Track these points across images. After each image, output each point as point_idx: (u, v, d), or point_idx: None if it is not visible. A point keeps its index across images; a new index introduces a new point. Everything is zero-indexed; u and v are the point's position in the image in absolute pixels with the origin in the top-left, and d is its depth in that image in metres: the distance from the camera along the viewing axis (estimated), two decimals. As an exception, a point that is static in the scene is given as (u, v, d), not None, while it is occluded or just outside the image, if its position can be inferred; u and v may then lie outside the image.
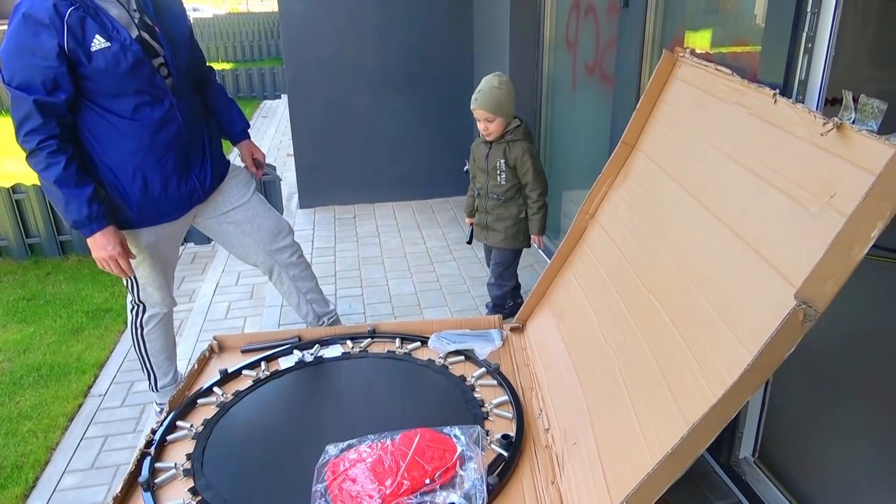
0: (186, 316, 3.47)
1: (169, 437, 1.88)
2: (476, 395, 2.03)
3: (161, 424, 1.91)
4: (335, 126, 4.57)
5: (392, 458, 1.60)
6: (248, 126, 2.54)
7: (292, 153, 4.83)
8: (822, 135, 1.29)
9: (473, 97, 2.58)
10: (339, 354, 2.28)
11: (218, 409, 1.99)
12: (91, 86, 1.93)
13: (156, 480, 1.71)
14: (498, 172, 2.71)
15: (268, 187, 4.80)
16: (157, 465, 1.76)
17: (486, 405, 1.98)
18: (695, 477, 2.10)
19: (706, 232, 1.60)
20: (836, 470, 2.06)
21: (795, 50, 1.53)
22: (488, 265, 3.04)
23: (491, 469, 1.66)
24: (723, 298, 1.44)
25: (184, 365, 2.85)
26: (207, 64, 2.39)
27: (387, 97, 4.57)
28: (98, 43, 1.87)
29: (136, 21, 1.98)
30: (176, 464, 1.76)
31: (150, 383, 2.51)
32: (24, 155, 1.96)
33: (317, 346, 2.31)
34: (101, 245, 2.02)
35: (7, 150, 7.71)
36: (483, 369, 2.17)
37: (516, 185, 2.74)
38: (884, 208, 1.11)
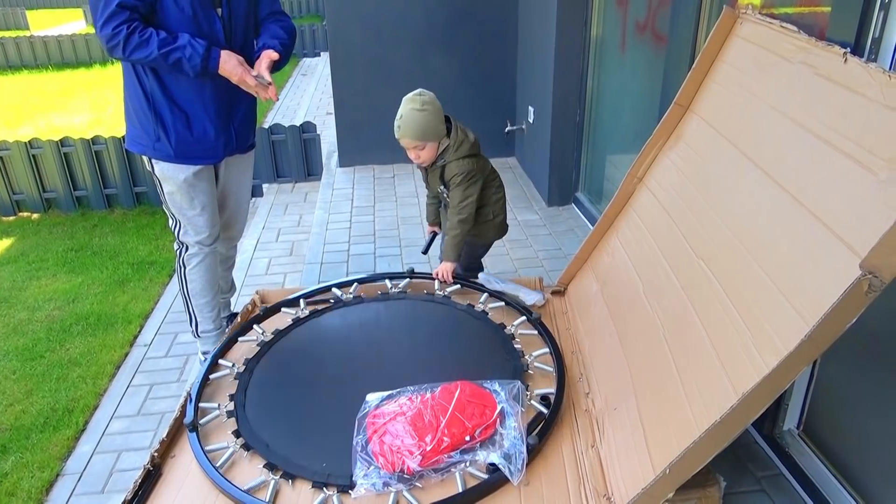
0: (228, 271, 3.52)
1: (212, 377, 1.91)
2: (516, 346, 2.03)
3: (204, 361, 1.94)
4: (376, 84, 4.53)
5: (432, 413, 1.60)
6: (284, 49, 2.37)
7: (332, 112, 4.81)
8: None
9: (396, 125, 2.25)
10: (378, 295, 2.29)
11: (258, 348, 2.01)
12: (160, 19, 2.05)
13: (200, 422, 1.74)
14: (445, 196, 2.43)
15: (307, 145, 4.81)
16: (202, 405, 1.80)
17: (525, 356, 1.97)
18: (736, 448, 2.06)
19: (764, 197, 1.53)
20: (883, 446, 2.00)
21: (870, 6, 1.43)
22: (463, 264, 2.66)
23: (530, 428, 1.66)
24: (780, 266, 1.38)
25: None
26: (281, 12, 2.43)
27: (429, 56, 4.49)
28: None
29: None
30: (219, 405, 1.79)
31: (192, 328, 2.56)
32: (108, 63, 2.16)
33: (355, 284, 2.31)
34: (232, 66, 2.11)
35: (55, 105, 7.87)
36: (524, 318, 2.15)
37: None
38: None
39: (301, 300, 2.25)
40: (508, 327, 2.11)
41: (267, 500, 1.50)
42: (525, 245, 3.50)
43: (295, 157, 4.80)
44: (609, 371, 1.87)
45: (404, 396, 1.70)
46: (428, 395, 1.69)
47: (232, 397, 1.83)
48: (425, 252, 2.68)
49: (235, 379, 1.91)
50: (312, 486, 1.54)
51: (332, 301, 2.27)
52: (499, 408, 1.63)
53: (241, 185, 2.53)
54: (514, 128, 4.59)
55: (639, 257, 2.04)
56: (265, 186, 4.79)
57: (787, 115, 1.56)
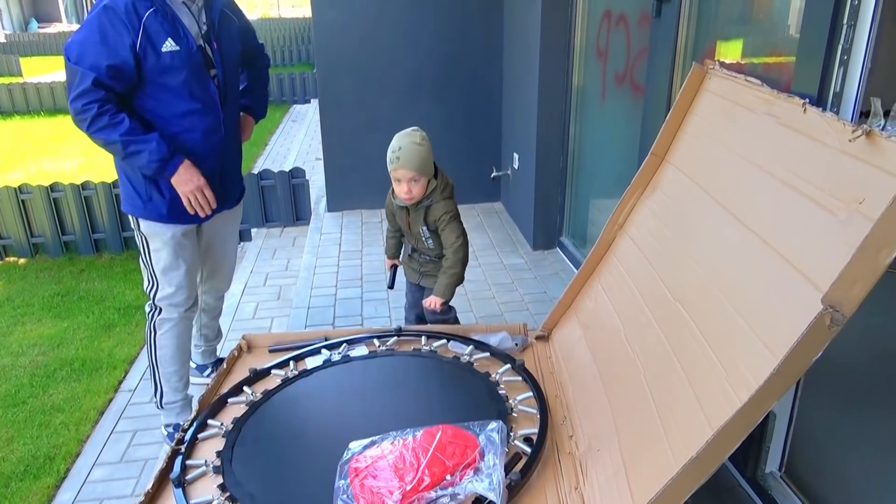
0: (215, 315, 3.53)
1: (200, 435, 1.92)
2: (501, 391, 2.05)
3: (192, 423, 1.95)
4: (364, 131, 4.63)
5: (413, 455, 1.61)
6: (264, 116, 2.65)
7: (321, 157, 4.89)
8: (850, 141, 1.29)
9: (393, 156, 2.28)
10: (366, 353, 2.31)
11: (247, 407, 2.03)
12: (152, 80, 2.04)
13: (186, 477, 1.74)
14: (424, 238, 2.46)
15: (296, 190, 4.88)
16: (188, 462, 1.80)
17: (510, 400, 1.99)
18: (720, 490, 2.08)
19: (735, 241, 1.59)
20: (864, 487, 2.03)
21: (830, 62, 1.53)
22: (408, 297, 2.77)
23: (513, 465, 1.67)
24: (751, 305, 1.43)
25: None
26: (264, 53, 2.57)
27: (416, 103, 4.61)
28: (168, 45, 2.00)
29: (203, 33, 2.13)
30: (206, 461, 1.80)
31: (156, 398, 2.45)
32: (80, 136, 2.11)
33: (344, 345, 2.34)
34: (186, 178, 2.11)
35: (46, 150, 7.93)
36: (508, 365, 2.18)
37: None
38: (913, 212, 1.10)
39: (291, 362, 2.27)
40: (493, 375, 2.13)
41: None
42: (511, 289, 3.55)
43: (284, 202, 4.86)
44: (592, 413, 1.89)
45: (387, 441, 1.71)
46: (410, 438, 1.70)
47: (219, 454, 1.83)
48: (391, 287, 2.73)
49: (223, 437, 1.92)
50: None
51: (322, 363, 2.29)
52: (480, 446, 1.65)
53: (227, 236, 2.54)
54: (500, 173, 4.69)
55: (620, 302, 2.09)
56: (254, 231, 4.83)
57: (753, 163, 1.64)
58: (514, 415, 1.94)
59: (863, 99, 1.53)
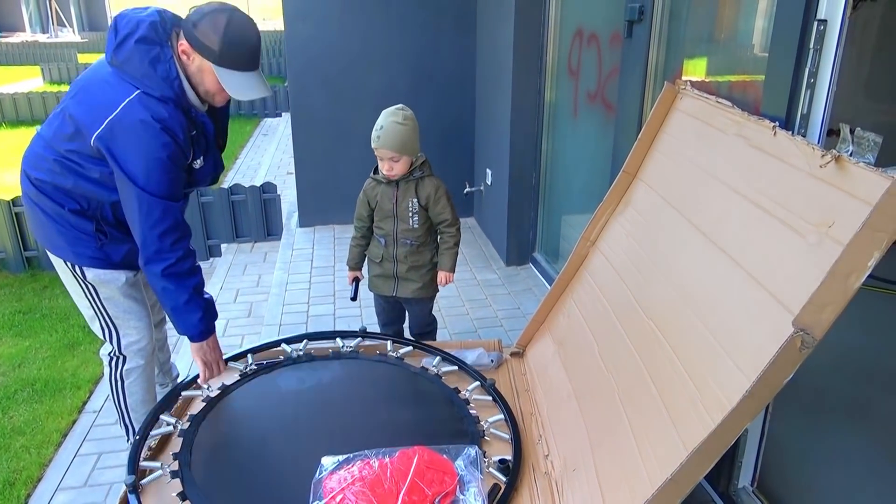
0: (183, 333, 3.46)
1: (153, 432, 1.84)
2: (471, 411, 2.03)
3: (145, 420, 1.88)
4: (337, 146, 4.60)
5: (391, 480, 1.59)
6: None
7: (293, 171, 4.85)
8: (820, 167, 1.32)
9: (375, 135, 2.35)
10: (329, 353, 2.27)
11: (204, 403, 1.95)
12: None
13: (142, 482, 1.68)
14: (410, 214, 2.46)
15: (267, 205, 4.83)
16: (143, 464, 1.73)
17: (481, 422, 1.98)
18: (693, 506, 2.09)
19: (706, 260, 1.62)
20: (834, 501, 2.06)
21: (798, 85, 1.56)
22: (381, 318, 2.77)
23: (490, 496, 1.66)
24: (722, 325, 1.45)
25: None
26: None
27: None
28: (198, 162, 1.96)
29: (211, 140, 2.05)
30: (163, 464, 1.73)
31: (128, 436, 2.35)
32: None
33: (305, 340, 2.29)
34: (212, 347, 2.05)
35: (8, 163, 7.73)
36: (478, 383, 2.16)
37: (428, 226, 2.52)
38: (880, 238, 1.13)
39: (249, 355, 2.21)
40: (463, 392, 2.12)
41: None
42: (484, 305, 3.54)
43: (255, 217, 4.80)
44: (567, 432, 1.89)
45: (361, 461, 1.68)
46: (386, 459, 1.68)
47: (176, 456, 1.76)
48: (354, 299, 2.70)
49: (179, 436, 1.84)
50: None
51: (281, 358, 2.24)
52: (458, 475, 1.63)
53: None
54: (473, 189, 4.71)
55: (593, 318, 2.10)
56: (224, 246, 4.76)
57: (724, 183, 1.67)
58: (487, 438, 1.93)
59: (829, 120, 1.57)
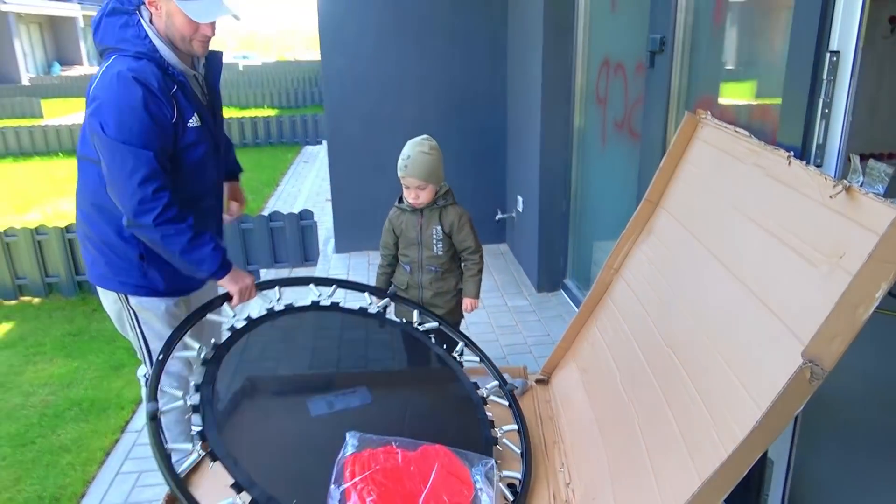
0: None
1: (175, 354, 1.78)
2: (487, 413, 2.05)
3: (169, 342, 1.82)
4: (372, 173, 4.72)
5: (413, 479, 1.60)
6: (241, 171, 2.54)
7: (331, 198, 4.98)
8: (830, 197, 1.33)
9: (402, 164, 2.42)
10: (357, 308, 2.29)
11: (229, 332, 1.91)
12: (173, 159, 1.94)
13: (162, 409, 1.62)
14: (434, 241, 2.52)
15: (305, 231, 4.96)
16: (164, 388, 1.68)
17: (495, 428, 1.99)
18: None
19: (722, 289, 1.62)
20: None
21: (812, 115, 1.58)
22: None
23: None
24: (737, 356, 1.46)
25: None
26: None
27: (422, 147, 4.71)
28: (194, 121, 1.93)
29: (206, 104, 2.05)
30: (184, 394, 1.69)
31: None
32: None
33: (335, 286, 2.25)
34: (239, 277, 2.02)
35: (63, 191, 8.12)
36: (496, 383, 2.18)
37: (452, 254, 2.58)
38: (888, 269, 1.14)
39: (277, 287, 2.16)
40: (481, 389, 2.14)
41: None
42: (514, 331, 3.57)
43: (292, 243, 4.94)
44: (589, 461, 1.90)
45: (384, 446, 1.68)
46: (410, 453, 1.68)
47: (198, 388, 1.68)
48: (382, 326, 2.73)
49: (202, 365, 1.76)
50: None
51: (309, 302, 2.21)
52: (475, 489, 1.66)
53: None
54: (505, 216, 4.76)
55: (616, 346, 2.11)
56: (263, 272, 4.90)
57: (742, 212, 1.68)
58: (499, 447, 1.94)
59: (846, 150, 1.57)
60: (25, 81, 24.04)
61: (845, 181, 1.31)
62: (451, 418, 1.98)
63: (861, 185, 1.30)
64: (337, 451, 1.66)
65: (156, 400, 1.64)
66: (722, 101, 2.15)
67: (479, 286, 2.63)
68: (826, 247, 1.32)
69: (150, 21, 1.86)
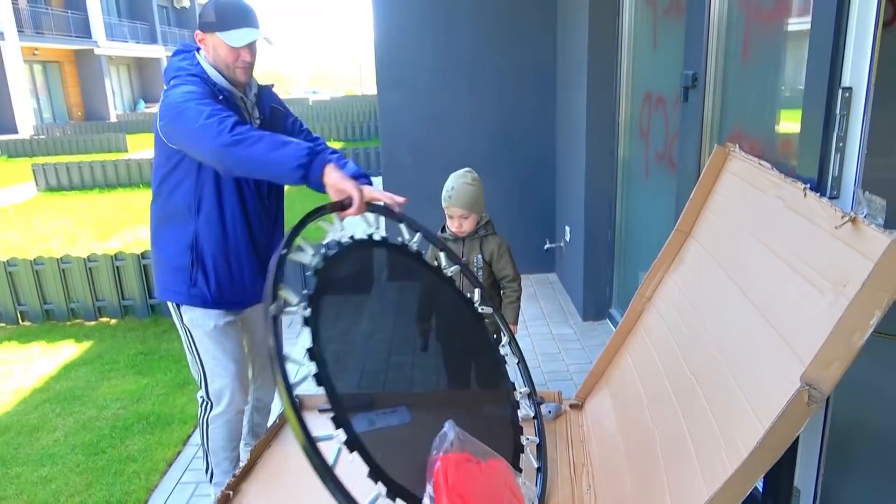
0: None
1: (291, 256, 1.68)
2: (519, 418, 2.11)
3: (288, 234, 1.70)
4: (424, 205, 4.85)
5: (484, 495, 1.65)
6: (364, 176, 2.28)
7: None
8: (836, 227, 1.37)
9: (446, 195, 2.57)
10: (434, 265, 2.27)
11: (337, 248, 1.83)
12: (212, 171, 2.11)
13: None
14: (475, 269, 2.64)
15: (361, 259, 5.16)
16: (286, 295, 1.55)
17: (523, 434, 2.06)
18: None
19: (741, 316, 1.67)
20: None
21: (827, 148, 1.62)
22: None
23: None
24: (750, 382, 1.50)
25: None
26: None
27: (473, 178, 4.86)
28: None
29: (257, 123, 2.24)
30: (299, 302, 1.57)
31: (207, 475, 2.54)
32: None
33: (418, 234, 2.20)
34: (340, 175, 1.88)
35: (142, 219, 8.68)
36: (528, 390, 2.25)
37: (492, 281, 2.69)
38: (880, 297, 1.18)
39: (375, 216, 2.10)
40: (516, 391, 2.20)
41: None
42: (557, 359, 3.62)
43: (349, 271, 5.14)
44: (614, 485, 1.94)
45: (467, 453, 1.71)
46: (483, 465, 1.72)
47: (309, 300, 1.60)
48: (425, 349, 2.84)
49: (314, 274, 1.70)
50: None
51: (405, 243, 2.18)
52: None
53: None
54: (554, 245, 4.82)
55: (645, 373, 2.16)
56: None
57: (761, 241, 1.72)
58: (523, 456, 1.99)
59: (861, 181, 1.61)
60: (113, 118, 25.74)
61: (851, 212, 1.36)
62: (492, 414, 2.06)
63: (865, 216, 1.34)
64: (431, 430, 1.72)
65: (276, 299, 1.48)
66: (751, 133, 2.19)
67: (518, 312, 2.71)
68: (833, 275, 1.36)
69: (202, 59, 2.16)
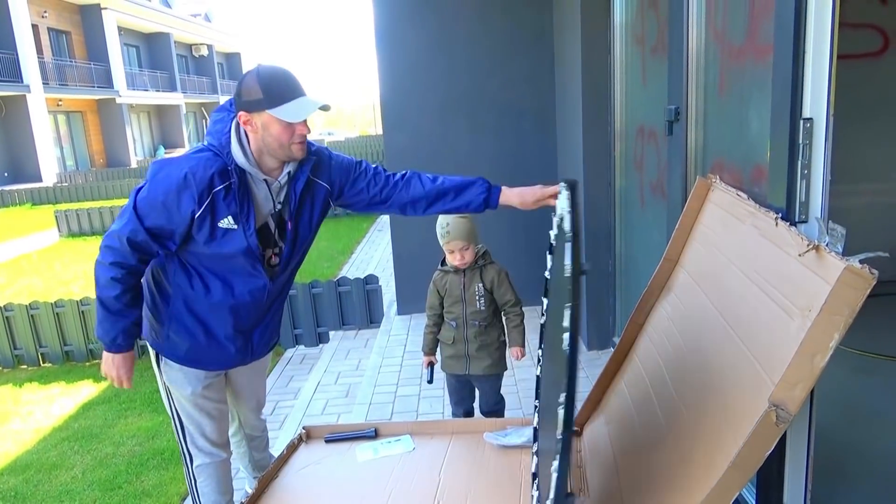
0: (289, 412, 3.85)
1: None
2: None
3: None
4: (430, 240, 4.98)
5: None
6: (487, 192, 2.49)
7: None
8: (799, 255, 1.45)
9: (444, 231, 2.67)
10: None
11: None
12: (196, 249, 1.98)
13: None
14: (477, 298, 2.75)
15: (370, 295, 5.27)
16: None
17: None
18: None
19: (721, 340, 1.74)
20: None
21: (794, 175, 1.70)
22: (453, 397, 2.99)
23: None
24: (730, 405, 1.55)
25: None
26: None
27: (478, 215, 4.96)
28: (226, 222, 1.93)
29: (274, 211, 2.05)
30: None
31: None
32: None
33: None
34: (111, 365, 2.07)
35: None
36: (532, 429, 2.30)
37: (494, 308, 2.79)
38: (837, 321, 1.25)
39: None
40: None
41: None
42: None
43: (359, 306, 5.26)
44: (607, 507, 1.99)
45: None
46: None
47: None
48: (431, 381, 2.95)
49: None
50: None
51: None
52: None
53: (255, 382, 2.46)
54: (559, 276, 4.90)
55: (638, 399, 2.21)
56: (331, 333, 5.22)
57: (740, 269, 1.80)
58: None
59: (828, 206, 1.69)
60: (134, 164, 26.41)
61: (815, 241, 1.43)
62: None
63: (827, 245, 1.42)
64: None
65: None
66: (731, 162, 2.28)
67: (524, 335, 2.83)
68: (801, 300, 1.43)
69: (247, 138, 1.96)
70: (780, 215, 1.66)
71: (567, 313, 1.47)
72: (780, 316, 1.50)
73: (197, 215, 1.89)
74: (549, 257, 2.24)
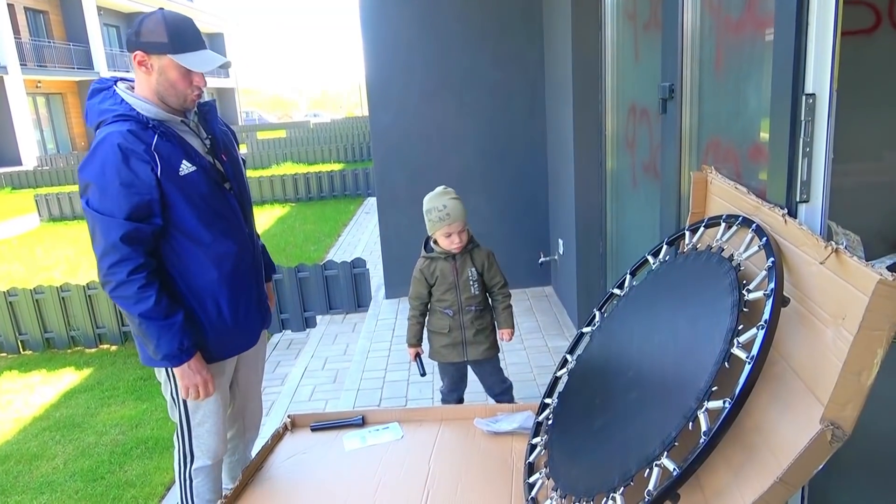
0: (276, 398, 3.79)
1: None
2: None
3: None
4: (418, 222, 4.91)
5: None
6: (274, 272, 2.58)
7: (382, 247, 5.22)
8: (820, 263, 1.38)
9: (441, 214, 2.59)
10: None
11: None
12: (177, 213, 1.94)
13: None
14: (471, 283, 2.69)
15: (357, 279, 5.19)
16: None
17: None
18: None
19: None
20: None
21: (795, 153, 1.64)
22: (446, 385, 2.90)
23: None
24: (764, 415, 1.46)
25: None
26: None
27: (467, 196, 4.84)
28: (185, 168, 1.93)
29: (208, 148, 2.07)
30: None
31: None
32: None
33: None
34: (192, 371, 1.99)
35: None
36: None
37: (484, 291, 2.75)
38: (879, 336, 1.19)
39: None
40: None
41: None
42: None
43: (346, 290, 5.18)
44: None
45: None
46: None
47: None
48: (423, 374, 2.86)
49: None
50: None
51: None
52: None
53: (252, 376, 2.43)
54: (548, 258, 4.84)
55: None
56: (318, 317, 5.14)
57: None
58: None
59: (830, 186, 1.63)
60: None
61: (832, 243, 1.37)
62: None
63: (846, 248, 1.35)
64: None
65: None
66: (727, 141, 2.22)
67: (513, 316, 2.80)
68: (830, 307, 1.34)
69: (131, 89, 1.96)
70: (786, 211, 1.60)
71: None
72: (813, 323, 1.40)
73: (159, 174, 1.87)
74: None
